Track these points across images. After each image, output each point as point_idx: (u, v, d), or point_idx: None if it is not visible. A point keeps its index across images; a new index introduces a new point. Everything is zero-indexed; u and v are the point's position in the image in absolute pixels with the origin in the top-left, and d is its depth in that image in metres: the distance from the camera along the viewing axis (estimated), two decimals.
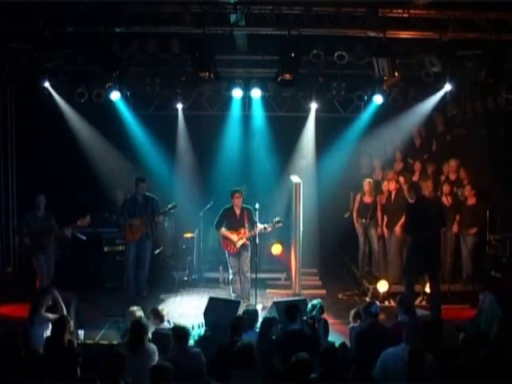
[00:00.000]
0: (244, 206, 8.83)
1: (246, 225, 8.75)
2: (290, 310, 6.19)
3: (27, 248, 8.46)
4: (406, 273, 8.18)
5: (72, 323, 6.15)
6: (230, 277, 8.98)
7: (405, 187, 9.69)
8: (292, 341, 5.78)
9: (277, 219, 8.80)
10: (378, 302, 6.62)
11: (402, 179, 9.80)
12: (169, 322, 6.78)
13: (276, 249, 10.42)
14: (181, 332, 5.76)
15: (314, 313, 6.37)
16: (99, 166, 10.60)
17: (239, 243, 8.74)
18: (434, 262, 7.97)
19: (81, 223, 8.57)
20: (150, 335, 5.98)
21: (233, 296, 8.80)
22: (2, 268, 10.32)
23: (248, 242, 8.77)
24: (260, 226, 8.66)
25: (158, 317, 6.75)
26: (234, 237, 8.77)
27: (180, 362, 5.23)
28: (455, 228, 9.40)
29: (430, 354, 5.25)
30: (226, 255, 8.96)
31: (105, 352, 5.19)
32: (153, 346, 5.69)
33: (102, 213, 9.97)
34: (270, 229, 8.77)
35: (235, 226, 8.80)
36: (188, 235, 10.38)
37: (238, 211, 8.83)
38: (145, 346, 5.57)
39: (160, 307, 6.96)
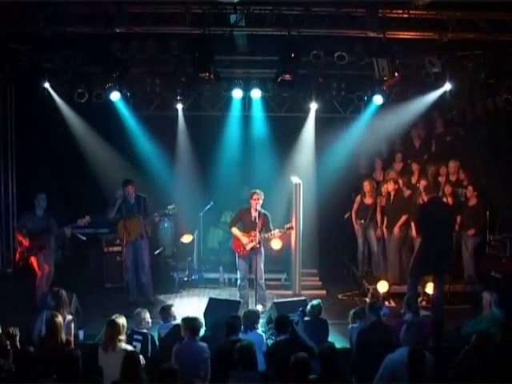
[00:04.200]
0: (262, 210, 8.55)
1: (260, 229, 8.47)
2: (280, 322, 6.14)
3: (27, 248, 8.45)
4: (414, 272, 8.13)
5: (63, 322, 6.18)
6: (239, 282, 8.72)
7: (404, 189, 9.73)
8: (282, 350, 5.77)
9: (289, 225, 8.70)
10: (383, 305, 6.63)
11: (401, 181, 9.80)
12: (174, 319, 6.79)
13: (276, 244, 10.34)
14: (192, 323, 5.81)
15: (293, 316, 6.36)
16: (99, 167, 10.59)
17: (249, 246, 8.49)
18: (443, 263, 7.99)
19: (80, 223, 8.57)
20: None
21: (241, 302, 8.34)
22: (2, 268, 10.31)
23: (259, 246, 8.51)
24: (272, 232, 8.53)
25: (165, 315, 6.77)
26: (244, 238, 8.53)
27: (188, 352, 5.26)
28: (456, 229, 9.40)
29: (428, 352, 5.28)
30: (236, 257, 8.73)
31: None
32: (126, 347, 5.74)
33: (103, 213, 9.95)
34: (280, 234, 8.62)
35: (248, 228, 8.57)
36: (185, 240, 10.29)
37: (254, 213, 8.56)
38: (116, 345, 5.67)
39: (168, 305, 6.94)
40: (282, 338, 6.01)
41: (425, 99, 9.89)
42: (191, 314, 6.23)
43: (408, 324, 5.79)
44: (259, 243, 8.50)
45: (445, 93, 9.54)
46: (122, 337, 5.85)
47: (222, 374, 5.38)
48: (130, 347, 5.82)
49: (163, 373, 4.85)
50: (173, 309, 6.88)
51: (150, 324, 6.56)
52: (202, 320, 6.21)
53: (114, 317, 5.95)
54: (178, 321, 6.42)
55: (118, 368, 5.03)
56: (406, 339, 5.50)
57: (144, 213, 8.94)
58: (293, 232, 9.15)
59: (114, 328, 5.79)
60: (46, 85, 9.53)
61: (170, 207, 9.05)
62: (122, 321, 5.90)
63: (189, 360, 5.22)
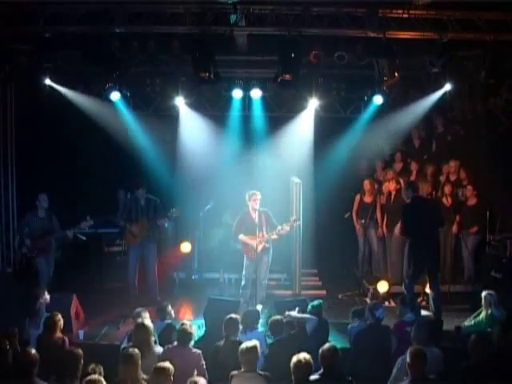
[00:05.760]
0: (261, 208, 8.47)
1: (264, 228, 8.41)
2: (273, 325, 6.16)
3: (29, 249, 8.43)
4: (408, 274, 8.11)
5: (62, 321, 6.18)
6: (243, 282, 8.64)
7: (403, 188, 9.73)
8: (278, 351, 5.79)
9: (294, 217, 8.56)
10: (383, 306, 6.62)
11: (401, 181, 9.79)
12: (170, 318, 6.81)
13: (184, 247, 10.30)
14: (184, 332, 5.79)
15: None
16: (100, 166, 10.58)
17: (259, 248, 8.35)
18: (433, 262, 7.96)
19: (83, 226, 8.56)
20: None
21: (241, 301, 8.25)
22: (1, 268, 10.30)
23: (268, 246, 8.47)
24: (278, 227, 8.40)
25: (162, 314, 6.79)
26: (253, 242, 8.40)
27: (177, 357, 5.28)
28: (455, 229, 9.39)
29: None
30: (244, 259, 8.63)
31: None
32: (159, 348, 5.71)
33: (103, 213, 9.95)
34: (288, 228, 8.45)
35: (253, 231, 8.43)
36: (184, 249, 10.26)
37: (254, 215, 8.47)
38: (151, 348, 5.61)
39: (164, 304, 6.96)
40: (277, 338, 6.02)
41: (426, 102, 9.92)
42: (186, 320, 6.23)
43: (418, 323, 5.80)
44: (268, 242, 8.46)
45: (445, 93, 9.54)
46: (154, 338, 5.82)
47: (221, 375, 5.39)
48: (160, 348, 5.80)
49: (156, 370, 4.86)
50: (169, 307, 6.89)
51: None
52: (195, 326, 6.19)
53: (140, 320, 5.94)
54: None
55: None
56: (416, 338, 5.52)
57: (152, 215, 8.90)
58: (293, 231, 9.14)
59: (147, 331, 5.71)
60: (47, 81, 9.50)
61: (172, 210, 9.03)
62: (149, 323, 5.90)
63: (176, 365, 5.23)
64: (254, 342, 5.31)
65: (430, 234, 7.90)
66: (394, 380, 5.33)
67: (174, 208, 9.05)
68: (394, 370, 5.36)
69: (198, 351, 5.78)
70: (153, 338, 5.79)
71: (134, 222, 8.87)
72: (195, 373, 5.47)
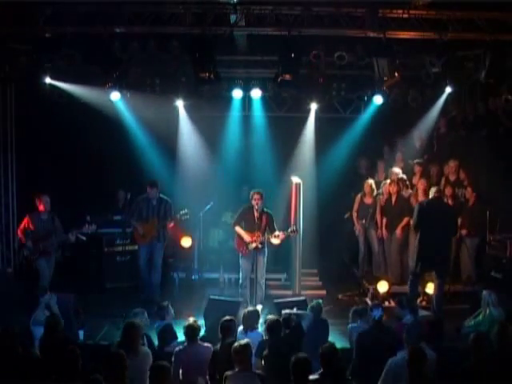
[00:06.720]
0: (265, 209, 8.49)
1: (264, 229, 8.41)
2: (270, 325, 6.10)
3: (30, 251, 8.40)
4: (414, 271, 8.10)
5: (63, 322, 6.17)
6: (240, 281, 8.67)
7: (405, 190, 9.71)
8: (275, 351, 5.77)
9: (292, 228, 8.53)
10: (381, 306, 6.62)
11: (401, 183, 9.79)
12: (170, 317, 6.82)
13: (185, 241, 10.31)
14: (191, 328, 5.80)
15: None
16: (100, 166, 10.58)
17: (251, 246, 8.36)
18: (440, 263, 7.96)
19: (86, 230, 8.53)
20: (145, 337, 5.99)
21: (241, 301, 8.21)
22: (2, 268, 10.30)
23: (261, 247, 8.43)
24: (275, 232, 8.39)
25: (161, 314, 6.79)
26: (246, 238, 8.43)
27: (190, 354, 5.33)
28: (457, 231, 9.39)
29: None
30: (240, 257, 8.64)
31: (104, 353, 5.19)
32: (146, 349, 5.67)
33: (103, 213, 9.95)
34: (283, 236, 8.45)
35: (251, 228, 8.46)
36: (185, 243, 10.28)
37: (256, 214, 8.46)
38: (138, 349, 5.53)
39: (164, 304, 6.96)
40: (275, 338, 6.03)
41: (433, 111, 10.08)
42: (190, 317, 6.22)
43: (409, 325, 5.79)
44: (262, 243, 8.43)
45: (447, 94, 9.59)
46: (140, 340, 5.74)
47: (219, 377, 5.39)
48: (147, 349, 5.75)
49: (154, 370, 4.83)
50: (169, 307, 6.89)
51: (149, 323, 6.58)
52: (199, 323, 6.18)
53: (131, 319, 5.91)
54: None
55: (143, 373, 5.03)
56: (408, 341, 5.51)
57: (163, 216, 8.89)
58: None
59: (136, 330, 5.59)
60: (48, 80, 9.49)
61: (182, 212, 9.00)
62: (139, 322, 5.85)
63: (190, 363, 5.21)
64: (246, 341, 5.30)
65: (441, 237, 7.93)
66: (383, 382, 5.31)
67: (185, 209, 9.03)
68: (384, 372, 5.33)
69: (209, 345, 5.79)
70: (141, 341, 5.69)
71: (144, 221, 8.87)
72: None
